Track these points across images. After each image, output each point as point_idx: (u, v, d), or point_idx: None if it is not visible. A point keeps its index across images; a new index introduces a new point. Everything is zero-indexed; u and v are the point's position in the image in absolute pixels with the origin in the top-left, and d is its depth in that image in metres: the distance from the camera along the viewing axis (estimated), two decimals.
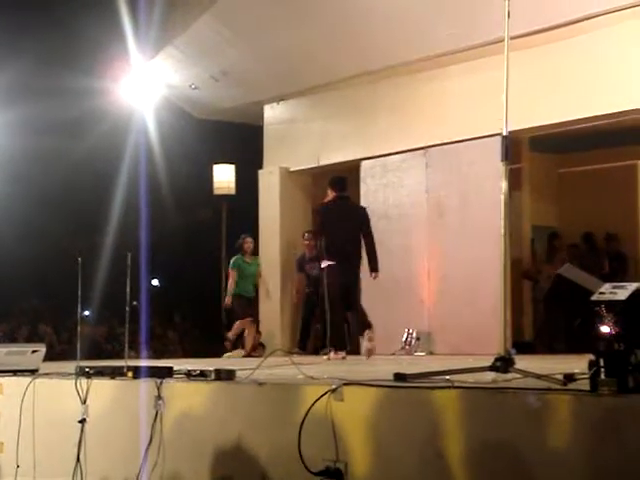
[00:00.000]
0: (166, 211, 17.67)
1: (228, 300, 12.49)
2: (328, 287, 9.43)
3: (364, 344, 9.56)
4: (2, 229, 17.94)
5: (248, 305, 12.63)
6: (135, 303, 10.77)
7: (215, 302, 14.44)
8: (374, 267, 9.68)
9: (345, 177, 10.08)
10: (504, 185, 5.00)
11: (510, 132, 5.18)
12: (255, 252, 12.85)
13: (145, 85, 12.65)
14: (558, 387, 3.70)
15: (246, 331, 12.51)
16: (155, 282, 23.13)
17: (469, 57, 11.01)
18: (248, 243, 12.55)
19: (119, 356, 12.72)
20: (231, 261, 12.56)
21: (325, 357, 9.29)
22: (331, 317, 9.48)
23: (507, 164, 5.09)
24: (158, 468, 4.73)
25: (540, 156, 12.69)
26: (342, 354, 9.31)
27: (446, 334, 11.09)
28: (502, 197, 4.97)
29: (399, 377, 4.19)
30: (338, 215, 9.54)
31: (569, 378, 3.80)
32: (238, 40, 12.11)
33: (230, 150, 15.03)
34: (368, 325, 9.48)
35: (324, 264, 9.43)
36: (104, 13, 12.42)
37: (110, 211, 15.12)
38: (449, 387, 3.73)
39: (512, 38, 4.99)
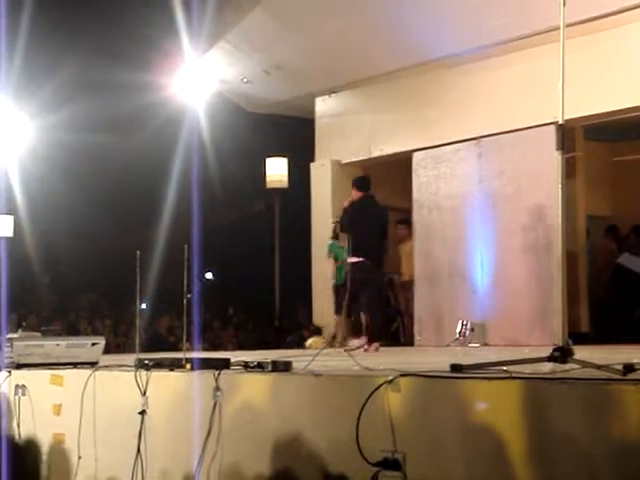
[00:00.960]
0: (219, 205, 17.81)
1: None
2: (352, 282, 9.72)
3: (354, 342, 9.71)
4: (58, 226, 18.23)
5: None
6: (189, 296, 10.85)
7: (269, 295, 14.53)
8: None
9: (369, 177, 10.51)
10: (560, 174, 4.93)
11: (565, 121, 5.10)
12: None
13: (198, 80, 12.74)
14: (618, 377, 3.67)
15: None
16: (209, 275, 23.32)
17: (521, 46, 10.93)
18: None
19: (174, 349, 12.86)
20: (327, 247, 11.88)
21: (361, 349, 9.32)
22: (367, 311, 9.76)
23: (563, 153, 5.01)
24: (217, 459, 4.77)
25: (595, 145, 12.56)
26: (376, 345, 9.47)
27: (500, 325, 11.03)
28: (559, 186, 4.90)
29: (456, 368, 4.18)
30: (363, 214, 9.85)
31: (629, 368, 3.75)
32: (289, 33, 12.15)
33: (282, 143, 15.08)
34: (368, 335, 9.59)
35: (351, 260, 9.72)
36: (157, 8, 12.53)
37: (163, 206, 15.27)
38: (507, 378, 3.72)
39: (566, 26, 4.93)
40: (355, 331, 10.16)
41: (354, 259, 9.68)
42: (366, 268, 9.59)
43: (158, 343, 13.71)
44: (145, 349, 11.63)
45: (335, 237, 11.67)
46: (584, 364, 4.08)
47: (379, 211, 10.17)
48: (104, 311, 17.69)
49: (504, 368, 4.16)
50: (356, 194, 10.08)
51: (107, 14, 16.82)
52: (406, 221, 12.83)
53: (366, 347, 9.38)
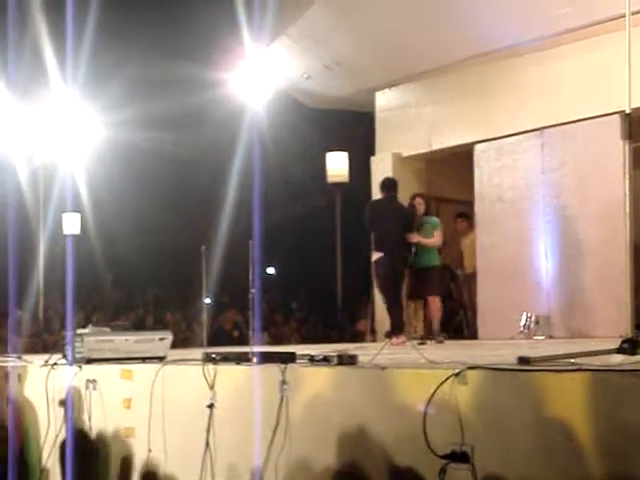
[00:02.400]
0: (281, 201, 17.89)
1: None
2: (376, 277, 10.41)
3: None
4: (122, 223, 18.49)
5: None
6: (253, 291, 10.94)
7: (331, 289, 14.56)
8: None
9: (393, 179, 10.97)
10: (627, 164, 4.88)
11: (631, 109, 5.03)
12: None
13: (259, 76, 12.81)
14: None
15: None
16: (271, 270, 23.44)
17: (585, 35, 10.78)
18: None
19: (237, 343, 12.98)
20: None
21: (388, 342, 9.31)
22: (387, 304, 10.30)
23: (630, 142, 4.95)
24: (284, 452, 4.81)
25: None
26: (402, 338, 9.64)
27: (566, 317, 10.91)
28: (625, 176, 4.85)
29: (523, 360, 4.16)
30: (382, 212, 10.29)
31: None
32: (349, 28, 12.15)
33: (343, 138, 15.10)
34: (395, 329, 9.97)
35: (373, 257, 10.22)
36: (218, 5, 12.64)
37: (226, 202, 15.40)
38: (576, 370, 3.69)
39: (632, 14, 4.88)
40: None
41: (375, 256, 10.20)
42: (384, 264, 10.07)
43: (222, 338, 13.86)
44: (208, 344, 11.77)
45: None
46: None
47: (401, 210, 10.55)
48: (169, 306, 17.92)
49: (572, 360, 4.14)
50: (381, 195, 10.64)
51: (169, 12, 17.01)
52: (466, 215, 12.79)
53: (388, 341, 9.52)
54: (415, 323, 10.87)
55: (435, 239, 10.64)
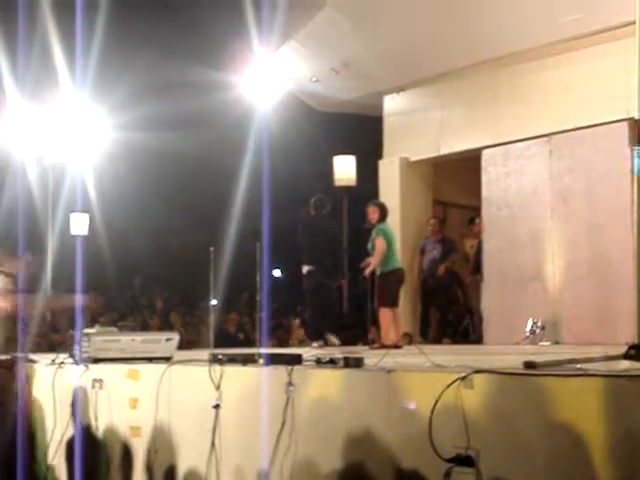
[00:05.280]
0: (287, 203, 17.88)
1: None
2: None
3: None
4: (128, 224, 18.52)
5: None
6: (260, 293, 10.98)
7: (337, 292, 14.54)
8: None
9: (322, 197, 11.70)
10: (635, 170, 4.89)
11: None
12: None
13: (267, 79, 12.84)
14: None
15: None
16: (277, 273, 23.42)
17: (594, 41, 10.78)
18: None
19: (245, 345, 13.01)
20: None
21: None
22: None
23: (637, 148, 4.96)
24: (290, 453, 4.83)
25: None
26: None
27: (572, 323, 10.91)
28: (633, 182, 4.86)
29: (529, 365, 4.17)
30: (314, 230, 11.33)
31: None
32: (358, 31, 12.17)
33: (350, 142, 15.10)
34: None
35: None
36: (228, 8, 12.65)
37: (233, 204, 15.41)
38: (583, 375, 3.70)
39: None
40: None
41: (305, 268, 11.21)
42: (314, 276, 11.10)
43: (227, 340, 13.88)
44: (214, 345, 11.76)
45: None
46: None
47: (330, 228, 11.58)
48: (176, 307, 17.94)
49: (578, 366, 4.14)
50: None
51: (179, 14, 17.04)
52: (472, 219, 12.92)
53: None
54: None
55: (377, 250, 10.28)
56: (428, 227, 13.34)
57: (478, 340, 12.30)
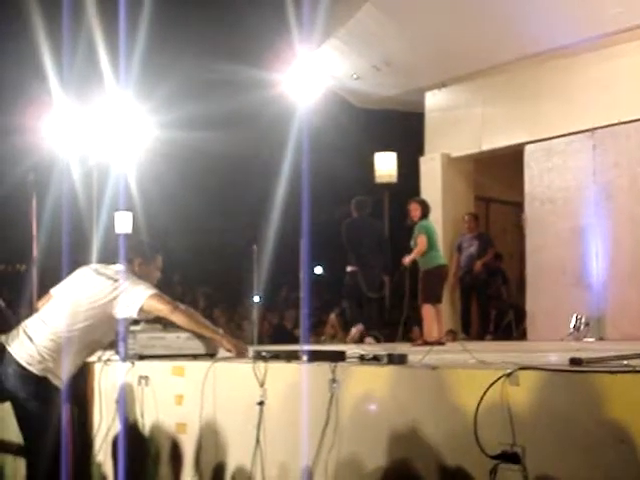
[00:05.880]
0: (329, 201, 17.92)
1: None
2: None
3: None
4: (170, 224, 18.65)
5: None
6: (302, 290, 11.04)
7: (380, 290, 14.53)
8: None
9: (365, 198, 11.96)
10: None
11: None
12: None
13: (309, 76, 12.87)
14: None
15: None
16: (319, 270, 23.47)
17: (636, 36, 10.68)
18: None
19: (287, 341, 13.05)
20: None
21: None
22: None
23: None
24: (334, 450, 4.84)
25: None
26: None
27: (616, 319, 10.82)
28: None
29: (575, 362, 4.15)
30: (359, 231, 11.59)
31: None
32: (398, 28, 12.15)
33: (391, 138, 15.09)
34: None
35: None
36: (269, 6, 12.71)
37: (274, 201, 15.46)
38: (630, 371, 3.68)
39: None
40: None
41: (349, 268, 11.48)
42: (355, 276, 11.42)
43: (284, 336, 13.97)
44: (270, 342, 11.84)
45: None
46: None
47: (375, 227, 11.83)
48: (219, 304, 18.04)
49: (625, 362, 4.12)
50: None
51: (221, 13, 17.14)
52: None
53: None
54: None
55: (419, 246, 10.31)
56: (464, 224, 13.29)
57: (521, 336, 12.24)
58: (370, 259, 11.43)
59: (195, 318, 6.03)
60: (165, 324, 6.34)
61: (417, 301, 10.56)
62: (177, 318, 5.81)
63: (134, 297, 5.62)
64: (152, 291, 5.70)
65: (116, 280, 5.68)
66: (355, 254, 11.44)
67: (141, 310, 5.66)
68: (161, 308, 5.73)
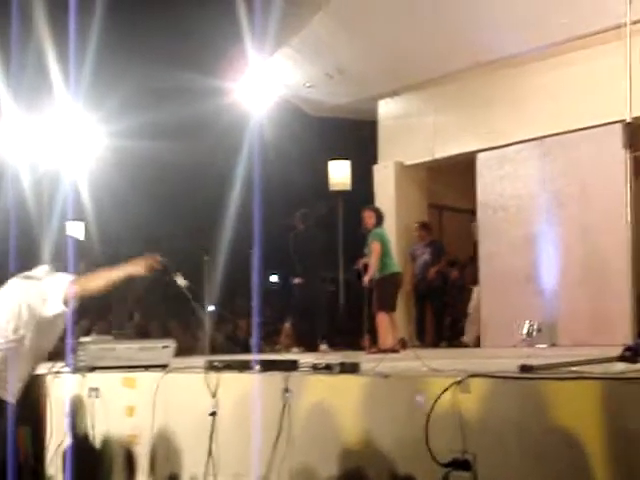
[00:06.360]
0: (282, 209, 17.88)
1: None
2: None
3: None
4: (122, 232, 18.47)
5: None
6: (255, 299, 11.01)
7: (333, 297, 14.54)
8: None
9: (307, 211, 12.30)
10: (627, 173, 4.90)
11: (632, 119, 5.04)
12: None
13: (261, 85, 12.86)
14: None
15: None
16: (274, 278, 23.40)
17: (587, 44, 10.79)
18: None
19: (238, 351, 12.99)
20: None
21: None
22: None
23: (630, 152, 4.97)
24: (287, 460, 4.83)
25: None
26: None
27: (568, 325, 10.91)
28: (626, 185, 4.87)
29: (525, 369, 4.17)
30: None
31: None
32: (351, 37, 12.18)
33: (345, 146, 15.12)
34: None
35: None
36: (222, 14, 12.67)
37: (228, 210, 15.40)
38: (578, 378, 3.70)
39: (632, 23, 4.90)
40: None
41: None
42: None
43: (238, 346, 13.90)
44: (223, 352, 11.76)
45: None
46: None
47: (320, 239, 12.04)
48: (173, 314, 17.88)
49: (574, 368, 4.15)
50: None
51: (173, 22, 17.05)
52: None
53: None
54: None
55: (373, 254, 10.28)
56: (414, 233, 13.32)
57: (475, 343, 12.31)
58: (316, 270, 11.79)
59: (101, 273, 5.70)
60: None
61: (370, 309, 10.58)
62: (90, 284, 5.54)
63: (57, 289, 5.43)
64: (70, 277, 5.48)
65: (40, 279, 5.53)
66: (301, 266, 11.72)
67: (67, 300, 5.42)
68: (81, 288, 5.48)
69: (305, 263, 11.72)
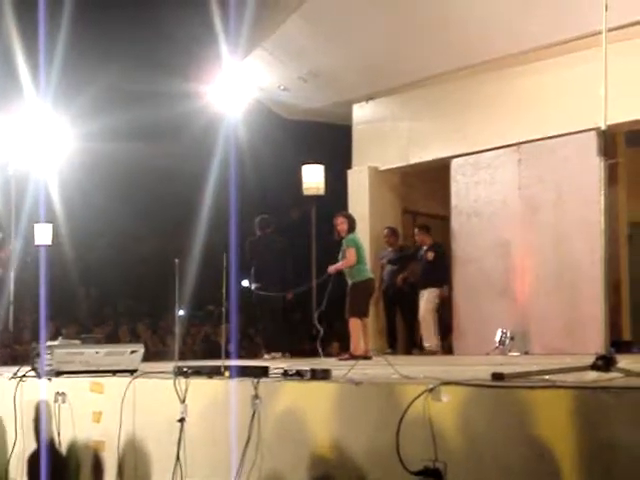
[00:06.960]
0: (255, 212, 17.80)
1: None
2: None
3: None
4: (94, 235, 18.35)
5: None
6: (227, 304, 10.93)
7: (306, 302, 14.48)
8: None
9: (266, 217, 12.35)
10: (602, 181, 4.87)
11: (607, 127, 5.02)
12: None
13: (235, 87, 12.77)
14: None
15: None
16: (246, 283, 23.27)
17: (562, 51, 10.83)
18: None
19: (212, 356, 12.89)
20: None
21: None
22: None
23: (605, 159, 4.94)
24: (256, 467, 4.76)
25: (637, 151, 12.39)
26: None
27: (541, 333, 10.92)
28: (601, 193, 4.83)
29: (497, 377, 4.13)
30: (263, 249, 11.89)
31: None
32: (326, 40, 12.15)
33: (319, 150, 15.06)
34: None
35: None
36: (195, 16, 12.60)
37: (201, 214, 15.31)
38: (550, 387, 3.66)
39: (609, 30, 4.86)
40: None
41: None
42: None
43: (218, 351, 13.80)
44: (202, 358, 11.67)
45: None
46: (628, 373, 4.01)
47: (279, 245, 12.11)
48: (142, 319, 17.77)
49: (546, 377, 4.11)
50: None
51: (145, 23, 16.95)
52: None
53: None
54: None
55: (348, 259, 10.29)
56: (383, 238, 13.24)
57: (448, 351, 12.28)
58: (273, 277, 11.82)
59: None
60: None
61: (336, 315, 10.56)
62: None
63: None
64: None
65: None
66: (257, 272, 11.79)
67: None
68: None
69: (261, 270, 11.78)
